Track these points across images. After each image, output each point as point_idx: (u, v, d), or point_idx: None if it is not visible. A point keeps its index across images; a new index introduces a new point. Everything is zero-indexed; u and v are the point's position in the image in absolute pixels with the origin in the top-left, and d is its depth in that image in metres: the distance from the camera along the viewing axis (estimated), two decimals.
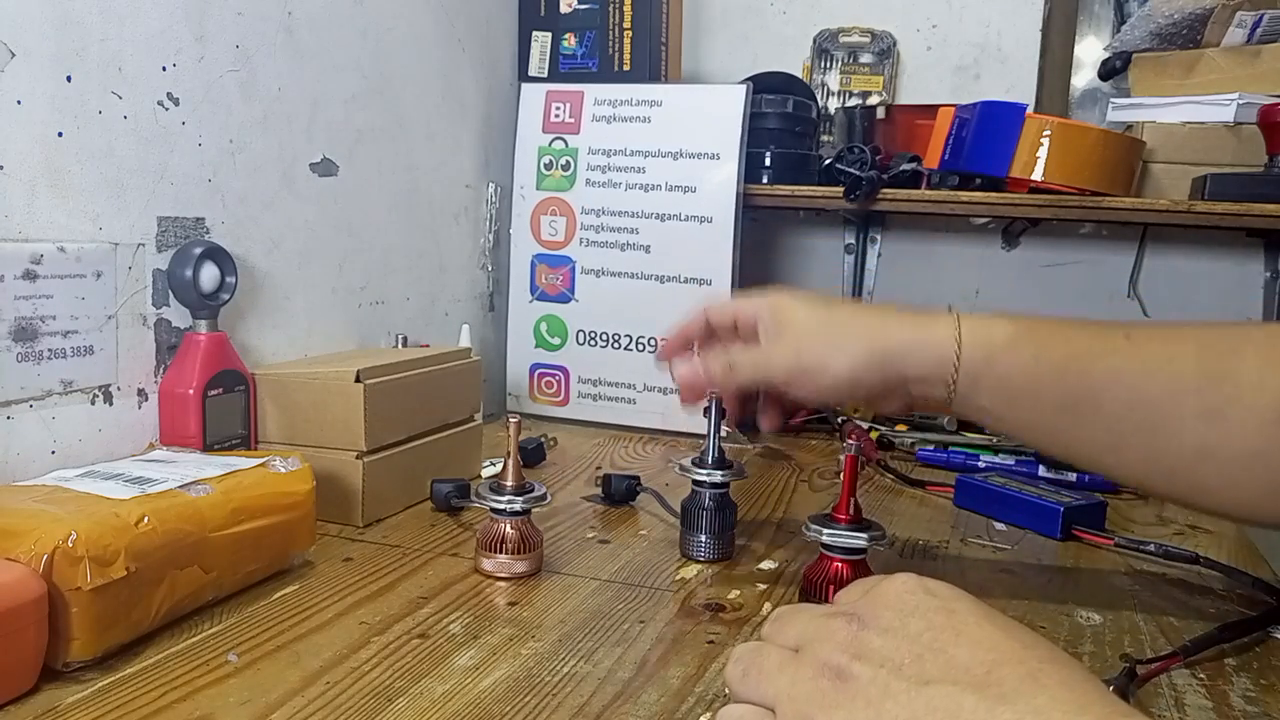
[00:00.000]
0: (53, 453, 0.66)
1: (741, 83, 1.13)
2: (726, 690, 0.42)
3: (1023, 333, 0.60)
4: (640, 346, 1.14)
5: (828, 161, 1.17)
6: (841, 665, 0.37)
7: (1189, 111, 1.10)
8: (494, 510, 0.66)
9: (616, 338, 1.15)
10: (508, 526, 0.66)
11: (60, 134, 0.66)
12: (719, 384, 0.66)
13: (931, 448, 1.05)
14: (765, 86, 1.18)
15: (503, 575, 0.66)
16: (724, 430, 0.71)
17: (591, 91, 1.15)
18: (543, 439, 1.00)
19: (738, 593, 0.66)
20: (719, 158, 1.10)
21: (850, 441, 0.59)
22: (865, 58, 1.39)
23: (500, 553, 0.66)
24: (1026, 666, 0.35)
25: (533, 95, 1.18)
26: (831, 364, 0.61)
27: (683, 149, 1.11)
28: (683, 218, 1.11)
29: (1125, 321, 0.61)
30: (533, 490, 0.67)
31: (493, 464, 0.93)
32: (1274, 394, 0.55)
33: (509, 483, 0.66)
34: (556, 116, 1.16)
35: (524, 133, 1.18)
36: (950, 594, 0.39)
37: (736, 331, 0.68)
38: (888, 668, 0.36)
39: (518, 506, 0.66)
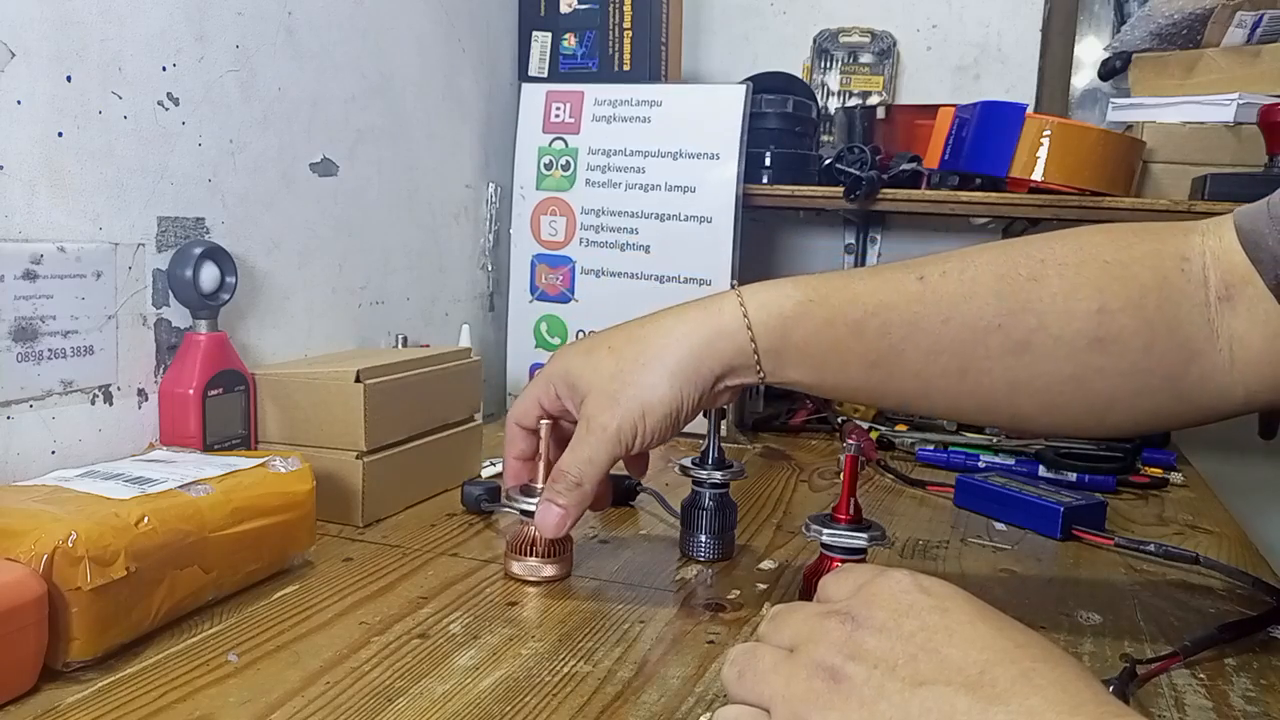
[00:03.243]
0: (53, 453, 0.66)
1: (741, 83, 1.13)
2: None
3: (810, 299, 0.58)
4: None
5: (828, 161, 1.17)
6: (836, 665, 0.37)
7: (1189, 111, 1.10)
8: (524, 514, 0.66)
9: None
10: (537, 530, 0.66)
11: (60, 134, 0.66)
12: (580, 506, 0.60)
13: (931, 448, 1.05)
14: (765, 86, 1.18)
15: (532, 579, 0.65)
16: (724, 430, 0.71)
17: (591, 92, 1.15)
18: None
19: (738, 593, 0.66)
20: (719, 158, 1.10)
21: (850, 441, 0.59)
22: (865, 58, 1.39)
23: (530, 556, 0.65)
24: (1020, 666, 0.35)
25: (533, 95, 1.18)
26: (649, 408, 0.58)
27: (682, 149, 1.11)
28: (682, 218, 1.11)
29: (917, 260, 0.59)
30: None
31: (493, 464, 0.93)
32: (1083, 319, 0.54)
33: (539, 485, 0.66)
34: (556, 116, 1.16)
35: (524, 133, 1.18)
36: (945, 592, 0.39)
37: (548, 415, 0.65)
38: (882, 668, 0.36)
39: None
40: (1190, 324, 0.55)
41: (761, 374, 0.59)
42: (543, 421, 0.65)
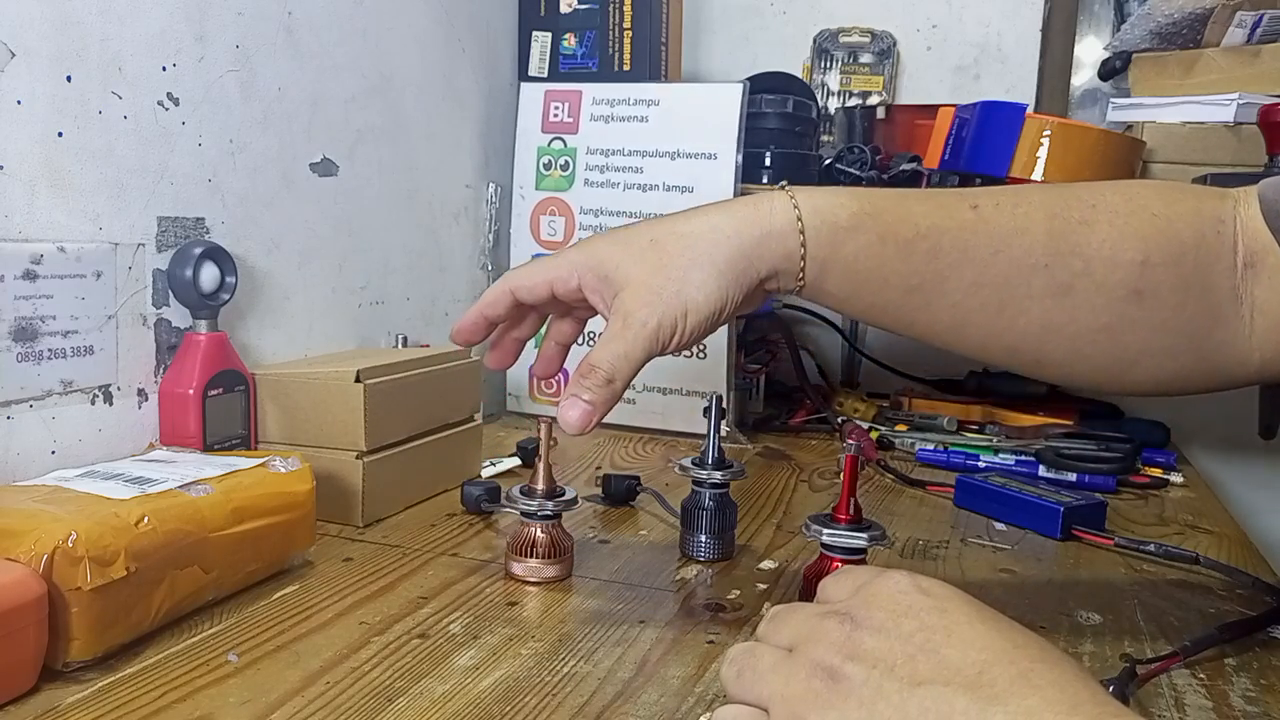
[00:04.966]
0: (53, 453, 0.66)
1: (740, 82, 1.13)
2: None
3: (866, 212, 0.56)
4: None
5: (828, 161, 1.17)
6: (834, 666, 0.37)
7: (1189, 111, 1.10)
8: (524, 514, 0.66)
9: None
10: (538, 531, 0.66)
11: (60, 134, 0.66)
12: (607, 404, 0.55)
13: (931, 448, 1.05)
14: (765, 86, 1.18)
15: (533, 580, 0.65)
16: (724, 430, 0.71)
17: (589, 91, 1.15)
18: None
19: (738, 593, 0.66)
20: (716, 158, 1.10)
21: (850, 441, 0.59)
22: (865, 58, 1.39)
23: (531, 557, 0.65)
24: (1018, 666, 0.35)
25: (532, 95, 1.18)
26: (692, 306, 0.55)
27: (680, 149, 1.11)
28: None
29: (969, 189, 0.57)
30: (563, 494, 0.67)
31: (493, 464, 0.93)
32: (1126, 269, 0.54)
33: (539, 486, 0.66)
34: (555, 116, 1.16)
35: (523, 132, 1.18)
36: (943, 593, 0.39)
37: (553, 303, 0.61)
38: (880, 668, 0.36)
39: (548, 510, 0.66)
40: (1220, 287, 0.55)
41: (802, 282, 0.56)
42: (542, 423, 0.65)
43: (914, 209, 0.56)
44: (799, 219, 0.55)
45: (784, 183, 0.59)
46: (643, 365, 0.56)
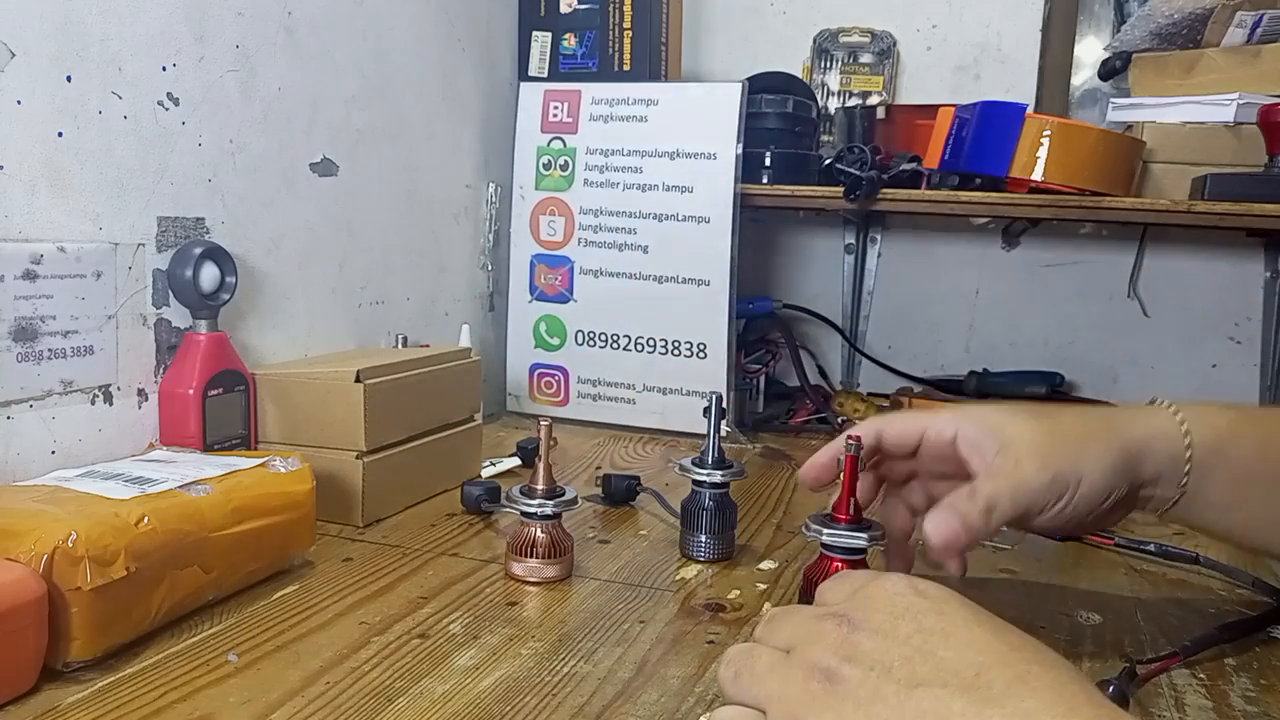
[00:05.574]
0: (53, 453, 0.66)
1: (740, 82, 1.13)
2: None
3: (1242, 418, 0.56)
4: (639, 347, 1.14)
5: (828, 161, 1.17)
6: (831, 667, 0.37)
7: (1189, 111, 1.10)
8: (524, 514, 0.66)
9: (615, 338, 1.15)
10: (538, 531, 0.66)
11: (60, 134, 0.66)
12: (978, 532, 0.51)
13: None
14: (765, 86, 1.18)
15: (533, 580, 0.65)
16: (724, 430, 0.71)
17: (589, 90, 1.15)
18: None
19: (738, 593, 0.66)
20: (716, 157, 1.10)
21: (850, 441, 0.59)
22: (865, 58, 1.39)
23: (531, 557, 0.66)
24: (1015, 669, 0.35)
25: (531, 95, 1.18)
26: (1087, 475, 0.53)
27: (680, 149, 1.11)
28: (680, 218, 1.11)
29: None
30: (563, 494, 0.67)
31: (493, 464, 0.93)
32: None
33: (539, 486, 0.66)
34: (555, 116, 1.16)
35: (523, 132, 1.18)
36: (941, 595, 0.39)
37: (915, 455, 0.59)
38: (877, 670, 0.36)
39: (548, 510, 0.66)
40: None
41: (1184, 488, 0.55)
42: (542, 423, 0.65)
43: None
44: (1182, 423, 0.55)
45: (1155, 398, 0.57)
46: (1019, 514, 0.53)
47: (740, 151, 1.09)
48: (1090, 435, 0.54)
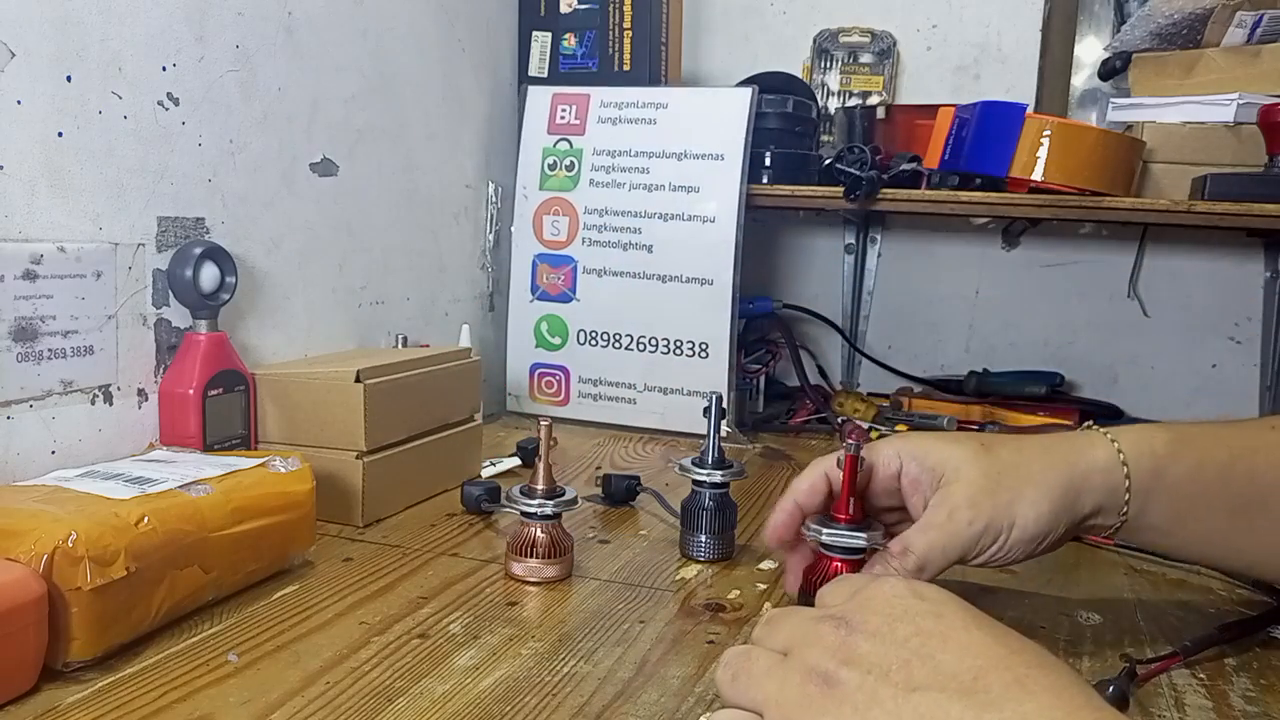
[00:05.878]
0: (53, 453, 0.66)
1: (742, 83, 1.13)
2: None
3: (1179, 440, 0.56)
4: (641, 347, 1.14)
5: (828, 161, 1.17)
6: (829, 671, 0.37)
7: (1189, 111, 1.10)
8: (524, 514, 0.66)
9: (617, 338, 1.15)
10: (538, 531, 0.66)
11: (60, 134, 0.66)
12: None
13: None
14: (765, 86, 1.17)
15: (533, 580, 0.65)
16: (724, 430, 0.71)
17: (598, 94, 1.15)
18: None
19: (738, 593, 0.66)
20: (723, 159, 1.10)
21: (850, 441, 0.59)
22: (865, 58, 1.39)
23: (531, 557, 0.65)
24: (1014, 672, 0.35)
25: (539, 97, 1.18)
26: (1020, 520, 0.54)
27: (687, 150, 1.11)
28: (685, 218, 1.11)
29: (1263, 418, 0.58)
30: (563, 494, 0.67)
31: (493, 464, 0.93)
32: None
33: (539, 486, 0.66)
34: (562, 118, 1.17)
35: (529, 133, 1.18)
36: (939, 598, 0.39)
37: (868, 490, 0.60)
38: (875, 674, 0.36)
39: (548, 510, 0.66)
40: None
41: (1124, 516, 0.56)
42: (542, 423, 0.65)
43: (1220, 434, 0.57)
44: (1119, 452, 0.56)
45: (1090, 423, 0.59)
46: (953, 565, 0.55)
47: (748, 155, 1.09)
48: (1028, 478, 0.55)
